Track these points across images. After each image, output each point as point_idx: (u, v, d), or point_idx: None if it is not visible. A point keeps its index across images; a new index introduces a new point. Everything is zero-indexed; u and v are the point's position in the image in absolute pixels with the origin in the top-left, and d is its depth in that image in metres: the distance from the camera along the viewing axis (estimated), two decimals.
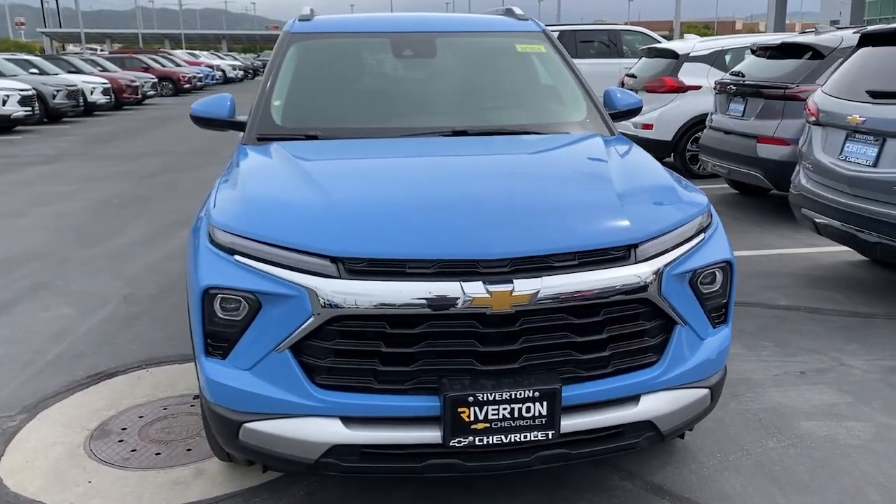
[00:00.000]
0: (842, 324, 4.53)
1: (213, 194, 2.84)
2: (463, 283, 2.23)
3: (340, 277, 2.27)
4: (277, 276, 2.32)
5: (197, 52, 46.49)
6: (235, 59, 50.93)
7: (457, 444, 2.28)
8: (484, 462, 2.36)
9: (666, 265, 2.42)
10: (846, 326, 4.49)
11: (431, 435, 2.30)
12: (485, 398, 2.24)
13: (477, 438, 2.28)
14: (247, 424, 2.40)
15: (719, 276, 2.60)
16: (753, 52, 7.85)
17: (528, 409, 2.28)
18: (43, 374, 3.96)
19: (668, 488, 2.88)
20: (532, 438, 2.31)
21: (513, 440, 2.30)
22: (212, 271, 2.42)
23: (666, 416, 2.48)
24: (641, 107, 3.87)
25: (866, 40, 5.10)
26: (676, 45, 9.95)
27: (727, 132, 7.55)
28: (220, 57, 48.37)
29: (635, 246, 2.40)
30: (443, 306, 2.22)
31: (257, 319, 2.36)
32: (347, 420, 2.32)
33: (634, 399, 2.43)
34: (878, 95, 4.56)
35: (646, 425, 2.47)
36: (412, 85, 3.74)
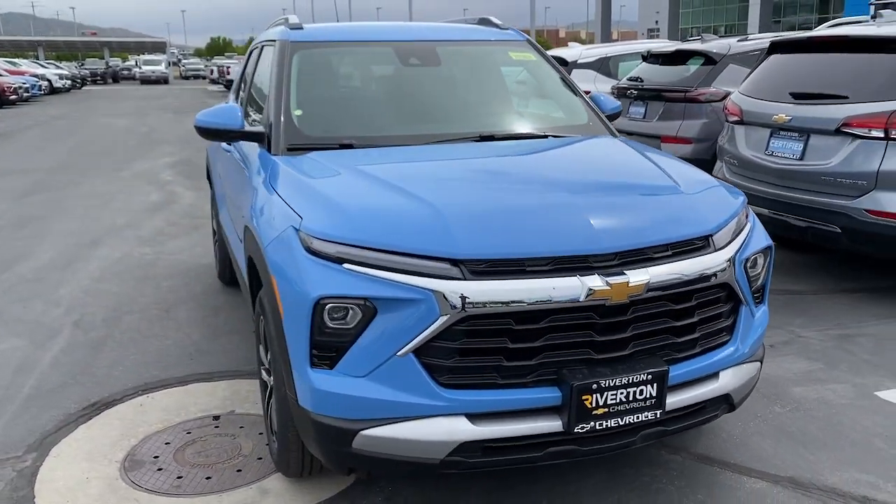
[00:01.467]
0: (783, 301, 5.06)
1: (276, 205, 2.78)
2: (581, 277, 2.37)
3: (465, 279, 2.34)
4: (398, 281, 2.35)
5: (16, 59, 42.78)
6: (60, 67, 47.32)
7: (580, 431, 2.41)
8: (596, 445, 2.51)
9: (735, 252, 2.68)
10: (787, 303, 5.02)
11: (552, 424, 2.42)
12: (606, 385, 2.39)
13: (597, 423, 2.43)
14: (364, 431, 2.41)
15: (761, 260, 2.90)
16: (645, 58, 8.47)
17: (640, 392, 2.45)
18: (29, 410, 3.66)
19: (714, 457, 3.16)
20: (642, 419, 2.48)
21: (627, 422, 2.46)
22: (321, 281, 2.40)
23: (737, 388, 2.75)
24: (621, 111, 4.16)
25: (776, 48, 5.71)
26: (565, 53, 10.50)
27: (629, 133, 8.08)
28: (41, 65, 44.79)
29: (711, 236, 2.65)
30: (567, 300, 2.35)
31: (372, 326, 2.38)
32: (473, 417, 2.39)
33: (715, 375, 2.67)
34: (800, 97, 5.13)
35: (723, 399, 2.72)
36: (427, 92, 3.79)
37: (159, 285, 5.63)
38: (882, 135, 4.54)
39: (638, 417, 2.48)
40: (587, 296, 2.36)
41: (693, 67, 7.72)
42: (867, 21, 5.85)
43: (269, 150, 3.34)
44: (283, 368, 2.60)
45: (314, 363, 2.46)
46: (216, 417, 3.57)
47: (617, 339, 2.46)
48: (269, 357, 2.89)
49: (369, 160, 3.10)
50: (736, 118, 5.65)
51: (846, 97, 4.81)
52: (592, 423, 2.42)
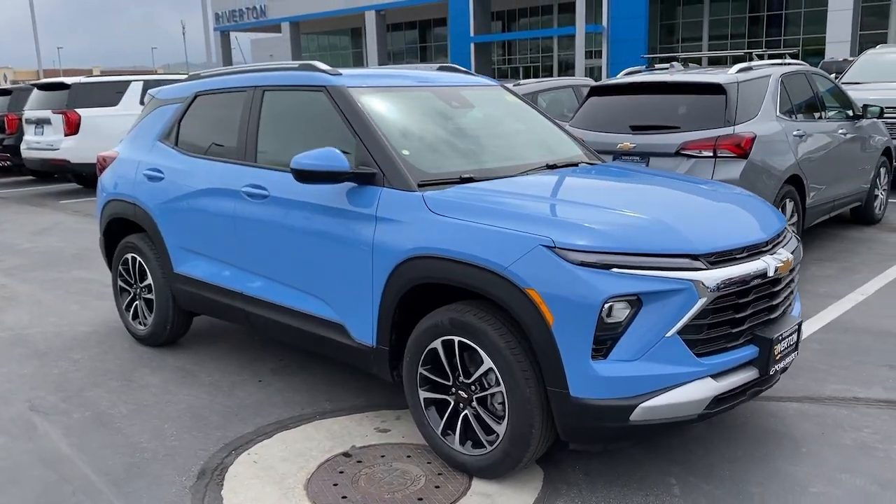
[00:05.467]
0: None
1: (491, 231, 3.10)
2: (763, 259, 3.22)
3: (708, 269, 3.02)
4: (661, 276, 2.94)
5: None
6: None
7: (772, 373, 3.25)
8: (769, 384, 3.37)
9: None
10: None
11: (751, 373, 3.22)
12: (783, 336, 3.27)
13: (777, 366, 3.29)
14: (643, 404, 2.94)
15: None
16: None
17: (792, 339, 3.38)
18: (137, 495, 3.28)
19: (771, 395, 4.11)
20: (790, 359, 3.41)
21: (786, 363, 3.37)
22: (601, 286, 2.89)
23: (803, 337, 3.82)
24: None
25: (595, 91, 7.12)
26: None
27: None
28: None
29: (785, 227, 3.69)
30: (765, 275, 3.18)
31: (640, 316, 2.94)
32: (715, 376, 3.08)
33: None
34: (638, 128, 6.55)
35: (799, 344, 3.76)
36: (489, 130, 4.21)
37: (73, 359, 4.98)
38: (711, 154, 6.11)
39: (789, 358, 3.40)
40: (774, 272, 3.21)
41: None
42: (643, 70, 7.54)
43: (390, 187, 3.51)
44: (550, 369, 2.98)
45: (593, 356, 2.92)
46: (347, 455, 3.60)
47: (779, 303, 3.35)
48: (484, 369, 3.17)
49: (520, 189, 3.53)
50: None
51: (678, 127, 6.32)
52: (776, 367, 3.27)
